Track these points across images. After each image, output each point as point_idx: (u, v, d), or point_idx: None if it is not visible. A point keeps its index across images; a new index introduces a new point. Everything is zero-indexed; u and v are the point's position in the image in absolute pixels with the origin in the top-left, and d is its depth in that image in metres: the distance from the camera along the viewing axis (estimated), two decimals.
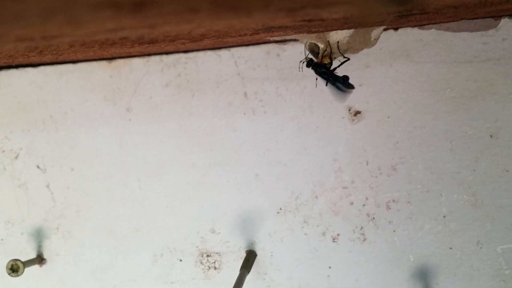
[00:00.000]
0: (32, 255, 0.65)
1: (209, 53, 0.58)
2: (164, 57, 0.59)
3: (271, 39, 0.54)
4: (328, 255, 0.60)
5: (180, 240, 0.62)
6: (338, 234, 0.59)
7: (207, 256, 0.62)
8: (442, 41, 0.54)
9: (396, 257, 0.58)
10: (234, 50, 0.58)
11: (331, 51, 0.50)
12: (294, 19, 0.31)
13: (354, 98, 0.56)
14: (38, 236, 0.65)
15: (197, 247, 0.62)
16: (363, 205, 0.58)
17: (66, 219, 0.64)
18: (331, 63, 0.50)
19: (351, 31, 0.49)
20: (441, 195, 0.57)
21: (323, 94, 0.57)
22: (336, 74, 0.51)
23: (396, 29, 0.54)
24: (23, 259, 0.61)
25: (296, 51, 0.56)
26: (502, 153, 0.55)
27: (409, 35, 0.54)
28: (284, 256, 0.61)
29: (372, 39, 0.51)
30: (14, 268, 0.60)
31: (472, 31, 0.53)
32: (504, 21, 0.52)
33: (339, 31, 0.49)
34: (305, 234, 0.60)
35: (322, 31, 0.49)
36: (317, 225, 0.59)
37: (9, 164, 0.64)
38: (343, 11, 0.30)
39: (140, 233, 0.63)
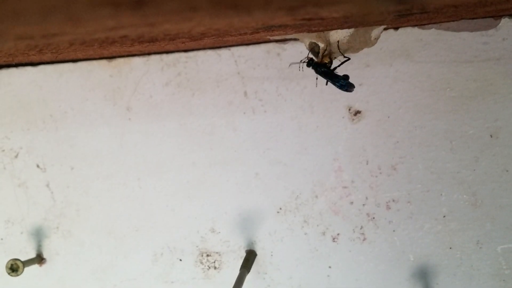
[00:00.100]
0: (32, 254, 0.65)
1: (209, 52, 0.58)
2: (164, 56, 0.59)
3: (271, 38, 0.54)
4: (328, 254, 0.60)
5: (180, 240, 0.62)
6: (338, 234, 0.59)
7: (207, 255, 0.62)
8: (442, 41, 0.54)
9: (396, 256, 0.58)
10: (234, 49, 0.58)
11: (331, 51, 0.50)
12: (294, 18, 0.30)
13: (354, 98, 0.56)
14: (38, 235, 0.65)
15: (197, 246, 0.62)
16: (363, 204, 0.58)
17: (66, 218, 0.64)
18: (331, 63, 0.50)
19: (351, 30, 0.49)
20: (441, 194, 0.57)
21: (323, 94, 0.57)
22: (336, 73, 0.51)
23: (396, 28, 0.54)
24: (22, 259, 0.61)
25: (296, 51, 0.56)
26: (502, 152, 0.55)
27: (409, 35, 0.54)
28: (284, 256, 0.61)
29: (372, 39, 0.51)
30: (14, 268, 0.60)
31: (472, 31, 0.53)
32: (504, 21, 0.52)
33: (339, 31, 0.49)
34: (305, 233, 0.60)
35: (322, 30, 0.49)
36: (317, 225, 0.59)
37: (9, 163, 0.64)
38: (343, 10, 0.30)
39: (140, 232, 0.63)
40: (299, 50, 0.56)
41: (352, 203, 0.58)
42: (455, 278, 0.58)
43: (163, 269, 0.63)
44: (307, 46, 0.52)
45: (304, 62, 0.52)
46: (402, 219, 0.58)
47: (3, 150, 0.63)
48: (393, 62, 0.55)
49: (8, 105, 0.62)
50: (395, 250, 0.58)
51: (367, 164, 0.57)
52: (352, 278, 0.60)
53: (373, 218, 0.58)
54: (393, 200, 0.58)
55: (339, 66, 0.51)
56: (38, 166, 0.63)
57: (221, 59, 0.58)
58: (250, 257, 0.60)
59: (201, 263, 0.62)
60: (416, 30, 0.54)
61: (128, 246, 0.63)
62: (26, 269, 0.61)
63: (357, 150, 0.57)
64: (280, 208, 0.60)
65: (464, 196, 0.56)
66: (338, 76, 0.50)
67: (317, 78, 0.53)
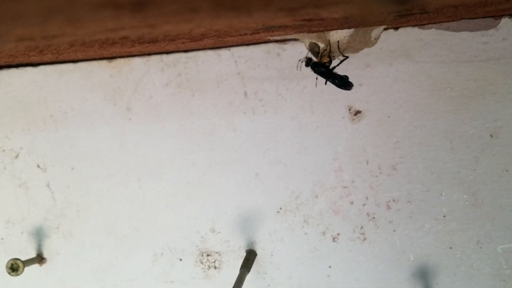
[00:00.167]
0: (32, 254, 0.65)
1: (209, 52, 0.58)
2: (164, 56, 0.59)
3: (271, 38, 0.54)
4: (328, 254, 0.60)
5: (180, 240, 0.62)
6: (338, 234, 0.59)
7: (207, 255, 0.62)
8: (442, 41, 0.54)
9: (396, 256, 0.59)
10: (234, 49, 0.58)
11: (330, 50, 0.50)
12: (294, 18, 0.31)
13: (354, 98, 0.56)
14: (38, 235, 0.65)
15: (197, 246, 0.62)
16: (363, 204, 0.58)
17: (67, 218, 0.64)
18: (330, 62, 0.50)
19: (351, 30, 0.49)
20: (441, 194, 0.57)
21: (323, 94, 0.57)
22: (335, 73, 0.51)
23: (396, 28, 0.54)
24: (23, 258, 0.61)
25: (296, 51, 0.56)
26: (502, 152, 0.55)
27: (409, 35, 0.54)
28: (284, 256, 0.61)
29: (372, 39, 0.51)
30: (14, 267, 0.60)
31: (472, 31, 0.53)
32: (504, 21, 0.52)
33: (339, 31, 0.49)
34: (305, 233, 0.60)
35: (322, 31, 0.49)
36: (317, 225, 0.60)
37: (10, 163, 0.64)
38: (343, 10, 0.30)
39: (140, 232, 0.63)
40: (299, 50, 0.56)
41: (352, 203, 0.58)
42: (455, 278, 0.58)
43: (163, 269, 0.63)
44: (307, 46, 0.52)
45: (302, 61, 0.52)
46: (402, 219, 0.58)
47: (4, 150, 0.64)
48: (393, 62, 0.55)
49: (8, 106, 0.62)
50: (395, 250, 0.58)
51: (367, 164, 0.58)
52: (352, 278, 0.60)
53: (373, 218, 0.58)
54: (393, 200, 0.58)
55: (338, 65, 0.51)
56: (38, 166, 0.63)
57: (221, 60, 0.58)
58: (250, 257, 0.60)
59: (201, 263, 0.62)
60: (416, 30, 0.54)
61: (128, 246, 0.63)
62: (26, 268, 0.61)
63: (357, 150, 0.57)
64: (280, 208, 0.60)
65: (464, 196, 0.56)
66: (336, 75, 0.51)
67: (317, 78, 0.53)
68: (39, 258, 0.64)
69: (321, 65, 0.50)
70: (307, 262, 0.60)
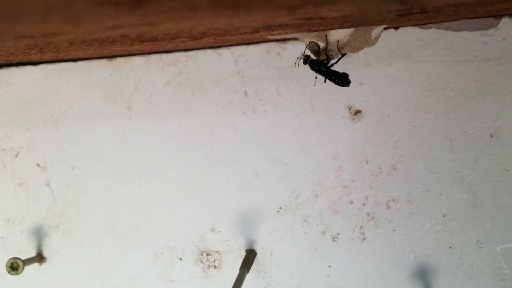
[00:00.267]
0: (32, 253, 0.65)
1: (209, 51, 0.58)
2: (164, 55, 0.59)
3: (272, 37, 0.54)
4: (328, 254, 0.60)
5: (180, 239, 0.62)
6: (338, 233, 0.59)
7: (207, 254, 0.62)
8: (442, 40, 0.54)
9: (396, 256, 0.59)
10: (234, 48, 0.58)
11: (327, 48, 0.50)
12: (294, 17, 0.31)
13: (354, 97, 0.56)
14: (38, 234, 0.65)
15: (197, 245, 0.62)
16: (363, 204, 0.58)
17: (66, 217, 0.64)
18: (328, 60, 0.50)
19: (351, 30, 0.49)
20: (441, 194, 0.57)
21: (323, 93, 0.57)
22: (333, 70, 0.51)
23: (396, 28, 0.54)
24: (23, 257, 0.61)
25: (296, 50, 0.56)
26: (502, 152, 0.55)
27: (409, 34, 0.54)
28: (284, 255, 0.61)
29: (372, 38, 0.51)
30: (14, 266, 0.60)
31: (472, 31, 0.53)
32: (505, 21, 0.52)
33: (340, 30, 0.49)
34: (305, 233, 0.60)
35: (323, 30, 0.49)
36: (317, 224, 0.60)
37: (10, 162, 0.64)
38: (343, 9, 0.30)
39: (140, 231, 0.63)
40: (299, 49, 0.56)
41: (352, 202, 0.58)
42: (455, 278, 0.58)
43: (163, 268, 0.63)
44: (307, 45, 0.52)
45: (300, 59, 0.52)
46: (402, 219, 0.58)
47: (4, 149, 0.64)
48: (393, 62, 0.55)
49: (8, 104, 0.62)
50: (395, 250, 0.58)
51: (367, 163, 0.58)
52: (352, 277, 0.60)
53: (373, 217, 0.58)
54: (393, 200, 0.58)
55: (336, 62, 0.51)
56: (38, 165, 0.63)
57: (221, 59, 0.58)
58: (250, 256, 0.60)
59: (201, 262, 0.62)
60: (416, 29, 0.54)
61: (128, 245, 0.63)
62: (26, 267, 0.61)
63: (357, 150, 0.57)
64: (280, 208, 0.60)
65: (464, 195, 0.56)
66: (333, 71, 0.51)
67: (316, 77, 0.53)
68: (39, 257, 0.64)
69: (318, 63, 0.50)
70: (307, 261, 0.60)
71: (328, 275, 0.60)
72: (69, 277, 0.65)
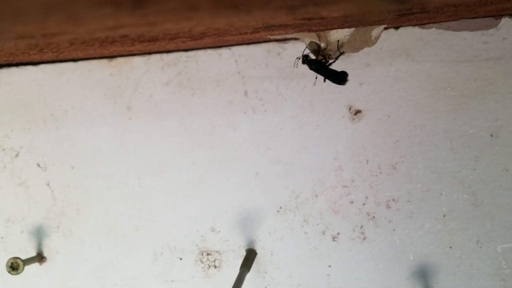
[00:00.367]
0: (32, 253, 0.65)
1: (210, 51, 0.58)
2: (164, 55, 0.59)
3: (272, 37, 0.54)
4: (328, 254, 0.60)
5: (180, 239, 0.62)
6: (338, 233, 0.59)
7: (207, 254, 0.62)
8: (442, 40, 0.54)
9: (396, 256, 0.59)
10: (234, 48, 0.58)
11: (327, 48, 0.50)
12: (294, 17, 0.31)
13: (354, 97, 0.56)
14: (38, 234, 0.65)
15: (197, 245, 0.62)
16: (363, 204, 0.58)
17: (67, 217, 0.64)
18: (325, 59, 0.51)
19: (351, 29, 0.49)
20: (441, 194, 0.57)
21: (323, 93, 0.57)
22: (330, 69, 0.51)
23: (396, 28, 0.54)
24: (23, 257, 0.61)
25: (296, 50, 0.56)
26: (502, 152, 0.55)
27: (409, 34, 0.54)
28: (284, 255, 0.61)
29: (372, 38, 0.51)
30: (14, 266, 0.60)
31: (472, 30, 0.53)
32: (505, 20, 0.52)
33: (340, 30, 0.49)
34: (305, 233, 0.60)
35: (323, 30, 0.49)
36: (317, 224, 0.60)
37: (10, 162, 0.64)
38: (343, 9, 0.30)
39: (140, 231, 0.63)
40: (299, 49, 0.56)
41: (352, 202, 0.58)
42: (455, 277, 0.58)
43: (163, 268, 0.63)
44: (307, 45, 0.52)
45: (299, 59, 0.53)
46: (402, 219, 0.58)
47: (4, 149, 0.64)
48: (394, 62, 0.55)
49: (8, 104, 0.62)
50: (395, 249, 0.58)
51: (367, 163, 0.58)
52: (352, 277, 0.60)
53: (373, 217, 0.58)
54: (393, 200, 0.58)
55: (334, 61, 0.51)
56: (38, 165, 0.63)
57: (221, 59, 0.58)
58: (250, 256, 0.60)
59: (201, 262, 0.62)
60: (416, 29, 0.54)
61: (128, 245, 0.63)
62: (26, 267, 0.61)
63: (357, 149, 0.57)
64: (280, 207, 0.60)
65: (464, 195, 0.56)
66: (330, 70, 0.51)
67: (316, 77, 0.53)
68: (39, 257, 0.64)
69: (316, 62, 0.50)
70: (307, 261, 0.60)
71: (328, 275, 0.60)
72: (69, 277, 0.65)
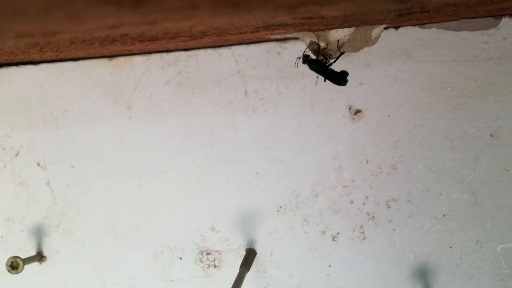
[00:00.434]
0: (32, 252, 0.65)
1: (210, 51, 0.58)
2: (164, 55, 0.59)
3: (272, 37, 0.54)
4: (328, 253, 0.60)
5: (180, 238, 0.62)
6: (338, 233, 0.59)
7: (207, 254, 0.62)
8: (442, 40, 0.54)
9: (396, 256, 0.59)
10: (234, 48, 0.58)
11: (327, 47, 0.50)
12: (294, 16, 0.31)
13: (354, 97, 0.56)
14: (38, 233, 0.65)
15: (197, 245, 0.62)
16: (363, 203, 0.58)
17: (66, 216, 0.64)
18: (326, 60, 0.50)
19: (351, 29, 0.49)
20: (441, 194, 0.57)
21: (323, 93, 0.57)
22: (331, 69, 0.51)
23: (396, 27, 0.54)
24: (23, 256, 0.61)
25: (297, 50, 0.56)
26: (502, 152, 0.55)
27: (409, 34, 0.54)
28: (284, 255, 0.61)
29: (372, 38, 0.51)
30: (14, 265, 0.60)
31: (472, 30, 0.53)
32: (505, 20, 0.52)
33: (340, 30, 0.49)
34: (305, 232, 0.60)
35: (323, 29, 0.49)
36: (317, 224, 0.60)
37: (10, 161, 0.64)
38: (343, 8, 0.30)
39: (140, 231, 0.63)
40: (299, 49, 0.56)
41: (352, 202, 0.58)
42: (455, 277, 0.58)
43: (163, 268, 0.63)
44: (308, 45, 0.52)
45: (300, 58, 0.53)
46: (402, 218, 0.58)
47: (4, 148, 0.64)
48: (394, 61, 0.55)
49: (8, 104, 0.62)
50: (395, 249, 0.58)
51: (367, 163, 0.58)
52: (352, 277, 0.60)
53: (373, 217, 0.58)
54: (393, 199, 0.58)
55: (334, 61, 0.51)
56: (38, 164, 0.63)
57: (221, 58, 0.58)
58: (250, 256, 0.60)
59: (201, 261, 0.62)
60: (416, 29, 0.54)
61: (128, 244, 0.63)
62: (26, 266, 0.61)
63: (357, 149, 0.57)
64: (280, 207, 0.60)
65: (464, 195, 0.56)
66: (331, 71, 0.51)
67: (317, 77, 0.53)
68: (39, 256, 0.64)
69: (317, 62, 0.50)
70: (307, 261, 0.60)
71: (328, 274, 0.60)
72: (69, 276, 0.65)
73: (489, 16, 0.52)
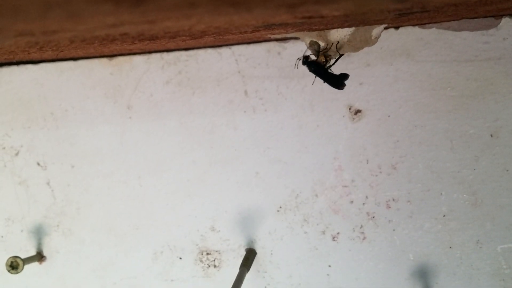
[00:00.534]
0: (32, 252, 0.65)
1: (210, 50, 0.58)
2: (164, 54, 0.59)
3: (272, 37, 0.54)
4: (328, 253, 0.60)
5: (180, 238, 0.62)
6: (338, 233, 0.59)
7: (207, 254, 0.62)
8: (442, 40, 0.54)
9: (396, 256, 0.58)
10: (234, 48, 0.58)
11: (326, 49, 0.50)
12: (294, 15, 0.31)
13: (354, 97, 0.56)
14: (38, 233, 0.65)
15: (197, 245, 0.62)
16: (363, 203, 0.58)
17: (66, 216, 0.64)
18: (326, 61, 0.50)
19: (352, 29, 0.49)
20: (441, 194, 0.57)
21: (323, 93, 0.57)
22: (329, 72, 0.51)
23: (397, 27, 0.54)
24: (23, 256, 0.61)
25: (297, 49, 0.56)
26: (502, 152, 0.55)
27: (409, 34, 0.54)
28: (284, 255, 0.61)
29: (372, 38, 0.51)
30: (14, 265, 0.60)
31: (472, 30, 0.53)
32: (505, 20, 0.52)
33: (340, 30, 0.49)
34: (305, 232, 0.60)
35: (323, 29, 0.49)
36: (317, 224, 0.60)
37: (10, 161, 0.64)
38: (343, 8, 0.30)
39: (141, 230, 0.63)
40: (299, 49, 0.56)
41: (352, 202, 0.58)
42: (455, 278, 0.58)
43: (163, 267, 0.63)
44: (308, 45, 0.52)
45: (300, 59, 0.53)
46: (402, 218, 0.58)
47: (4, 148, 0.64)
48: (394, 61, 0.55)
49: (8, 103, 0.62)
50: (395, 249, 0.58)
51: (367, 163, 0.58)
52: (352, 277, 0.60)
53: (373, 217, 0.58)
54: (393, 199, 0.58)
55: (334, 63, 0.51)
56: (38, 164, 0.63)
57: (221, 58, 0.58)
58: (250, 256, 0.60)
59: (201, 261, 0.62)
60: (416, 29, 0.54)
61: (128, 244, 0.63)
62: (26, 266, 0.61)
63: (357, 149, 0.57)
64: (280, 207, 0.60)
65: (464, 195, 0.56)
66: (329, 74, 0.50)
67: (315, 76, 0.53)
68: (39, 256, 0.64)
69: (316, 64, 0.50)
70: (307, 261, 0.60)
71: (328, 274, 0.60)
72: (69, 276, 0.65)
73: (489, 16, 0.52)
